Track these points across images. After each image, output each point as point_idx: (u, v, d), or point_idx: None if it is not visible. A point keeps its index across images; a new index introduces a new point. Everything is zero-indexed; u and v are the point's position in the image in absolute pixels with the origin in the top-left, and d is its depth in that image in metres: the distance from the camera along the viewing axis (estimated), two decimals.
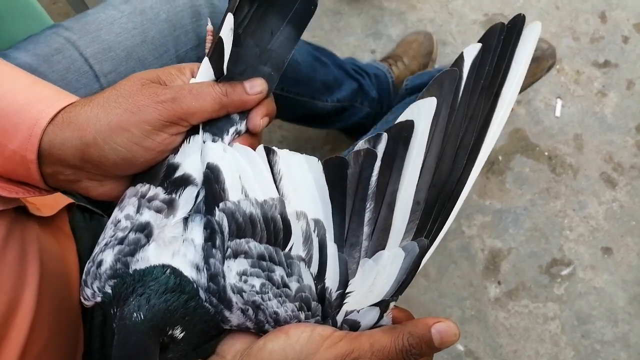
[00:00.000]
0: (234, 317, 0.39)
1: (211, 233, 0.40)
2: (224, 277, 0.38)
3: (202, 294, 0.39)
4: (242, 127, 0.46)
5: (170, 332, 0.37)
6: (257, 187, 0.41)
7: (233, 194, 0.40)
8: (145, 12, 0.67)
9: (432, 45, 1.29)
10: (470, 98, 0.42)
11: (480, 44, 0.43)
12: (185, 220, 0.41)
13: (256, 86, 0.45)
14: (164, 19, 0.68)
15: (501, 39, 0.42)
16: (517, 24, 0.43)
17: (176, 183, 0.41)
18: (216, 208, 0.39)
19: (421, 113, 0.41)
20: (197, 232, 0.40)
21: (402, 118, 0.42)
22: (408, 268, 0.39)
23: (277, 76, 0.48)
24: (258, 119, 0.46)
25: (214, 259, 0.39)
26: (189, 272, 0.39)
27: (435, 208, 0.40)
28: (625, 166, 1.30)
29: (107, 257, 0.40)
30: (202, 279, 0.39)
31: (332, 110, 1.05)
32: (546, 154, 1.31)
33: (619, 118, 1.33)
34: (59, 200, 0.56)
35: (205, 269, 0.39)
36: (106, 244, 0.40)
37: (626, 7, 1.40)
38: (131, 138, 0.41)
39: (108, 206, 0.71)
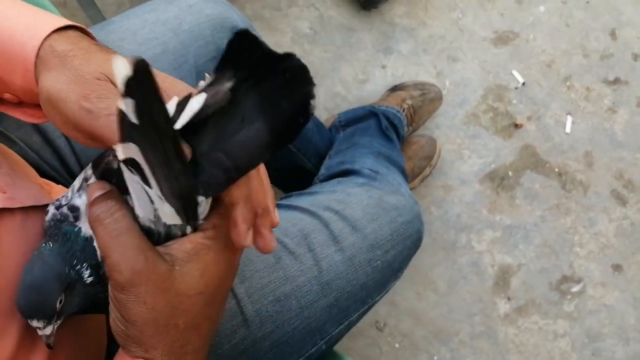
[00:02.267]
0: None
1: None
2: None
3: None
4: None
5: (78, 267, 0.40)
6: None
7: None
8: (168, 22, 0.68)
9: (433, 151, 1.25)
10: None
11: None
12: None
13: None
14: (185, 30, 0.69)
15: None
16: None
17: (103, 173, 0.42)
18: None
19: None
20: None
21: None
22: None
23: (223, 179, 0.36)
24: None
25: None
26: None
27: None
28: (635, 183, 1.30)
29: (51, 209, 0.44)
30: None
31: (309, 172, 0.99)
32: (556, 170, 1.31)
33: (629, 135, 1.33)
34: None
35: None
36: (58, 199, 0.44)
37: (636, 25, 1.41)
38: (49, 104, 0.40)
39: None
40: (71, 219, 0.42)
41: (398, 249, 0.70)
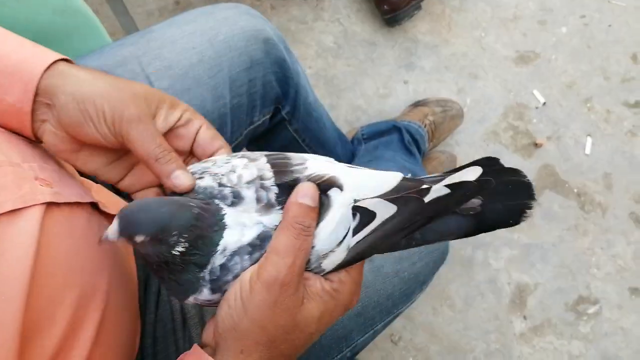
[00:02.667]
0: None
1: None
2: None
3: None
4: None
5: (186, 235, 0.42)
6: None
7: None
8: (205, 33, 0.70)
9: (453, 168, 1.26)
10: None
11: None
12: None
13: (179, 179, 0.46)
14: (221, 40, 0.71)
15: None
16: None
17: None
18: None
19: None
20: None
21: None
22: None
23: None
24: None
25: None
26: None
27: None
28: None
29: (208, 179, 0.46)
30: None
31: None
32: (575, 190, 1.32)
33: None
34: (120, 203, 0.58)
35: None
36: (216, 173, 0.46)
37: None
38: (89, 110, 0.46)
39: None
40: (228, 202, 0.44)
41: (425, 261, 0.71)
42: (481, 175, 0.44)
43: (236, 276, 0.43)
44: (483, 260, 1.27)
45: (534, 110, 1.37)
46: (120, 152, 0.50)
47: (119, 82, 0.48)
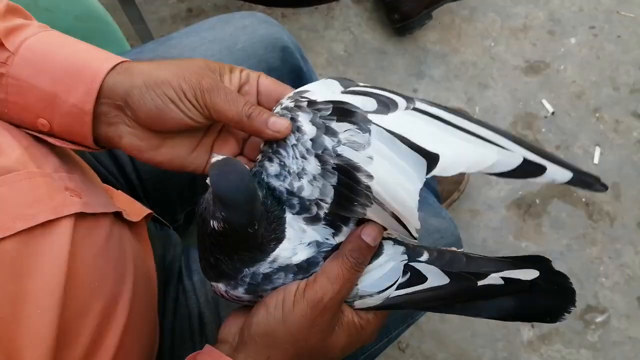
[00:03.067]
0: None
1: None
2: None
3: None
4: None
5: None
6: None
7: None
8: (224, 40, 0.71)
9: (462, 177, 1.27)
10: None
11: None
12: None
13: (278, 124, 0.46)
14: (240, 48, 0.72)
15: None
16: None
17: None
18: None
19: None
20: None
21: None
22: None
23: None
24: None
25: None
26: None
27: None
28: None
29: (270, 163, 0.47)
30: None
31: None
32: (583, 200, 1.32)
33: None
34: (141, 210, 0.59)
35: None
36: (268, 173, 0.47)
37: None
38: (167, 92, 0.46)
39: (173, 220, 0.74)
40: (294, 211, 0.45)
41: None
42: (535, 278, 0.46)
43: (274, 288, 0.44)
44: None
45: (542, 119, 1.38)
46: (201, 133, 0.51)
47: (180, 61, 0.48)
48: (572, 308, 0.46)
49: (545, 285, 0.46)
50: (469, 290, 0.46)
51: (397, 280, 0.46)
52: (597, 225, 1.30)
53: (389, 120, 0.43)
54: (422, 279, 0.46)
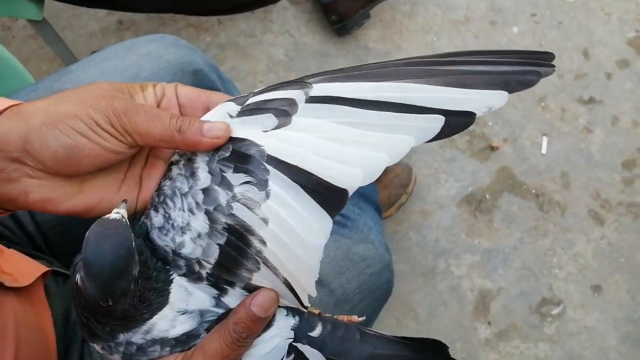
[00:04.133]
0: None
1: None
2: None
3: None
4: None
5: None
6: None
7: None
8: (126, 70, 0.67)
9: (409, 179, 1.25)
10: None
11: None
12: None
13: (215, 129, 0.40)
14: (144, 77, 0.68)
15: None
16: None
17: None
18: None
19: None
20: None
21: None
22: None
23: None
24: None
25: None
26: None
27: None
28: (612, 203, 1.30)
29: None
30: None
31: None
32: (533, 191, 1.31)
33: (605, 154, 1.34)
34: (35, 270, 0.55)
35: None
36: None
37: (607, 44, 1.42)
38: (75, 126, 0.39)
39: None
40: (180, 272, 0.41)
41: (367, 302, 0.69)
42: None
43: None
44: (445, 269, 1.26)
45: (488, 113, 1.36)
46: (125, 165, 0.44)
47: (80, 90, 0.41)
48: None
49: None
50: None
51: (282, 358, 0.42)
52: (548, 216, 1.30)
53: (290, 144, 0.39)
54: None
